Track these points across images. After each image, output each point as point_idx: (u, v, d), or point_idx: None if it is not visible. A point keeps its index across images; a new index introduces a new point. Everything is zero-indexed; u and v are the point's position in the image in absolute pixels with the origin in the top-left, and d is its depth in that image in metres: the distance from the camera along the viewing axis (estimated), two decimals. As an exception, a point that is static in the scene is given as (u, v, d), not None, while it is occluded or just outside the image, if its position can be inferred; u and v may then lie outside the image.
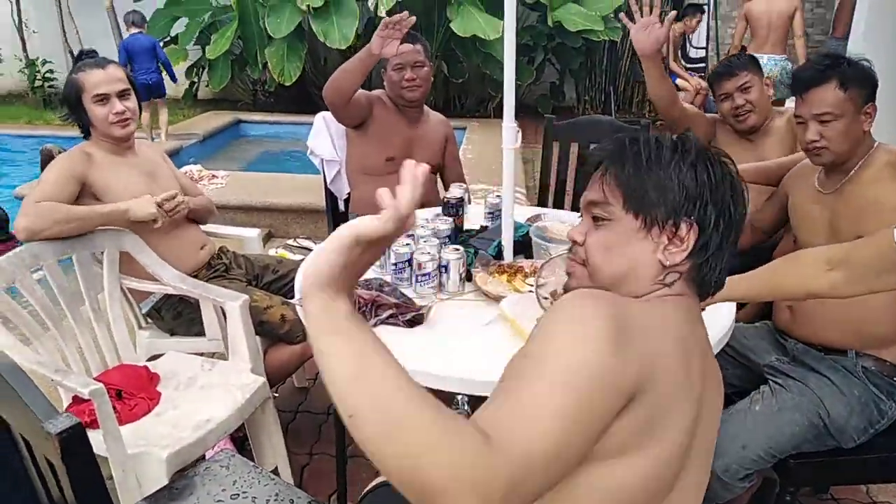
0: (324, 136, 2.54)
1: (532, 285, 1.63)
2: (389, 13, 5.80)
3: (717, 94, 2.24)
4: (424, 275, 1.62)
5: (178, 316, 2.06)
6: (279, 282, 2.24)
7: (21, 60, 8.36)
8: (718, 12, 6.99)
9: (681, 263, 0.87)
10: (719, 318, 1.47)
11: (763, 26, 5.41)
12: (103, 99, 1.91)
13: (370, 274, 1.73)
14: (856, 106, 1.58)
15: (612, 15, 6.46)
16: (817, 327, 1.61)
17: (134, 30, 5.84)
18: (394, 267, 1.67)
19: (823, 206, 1.65)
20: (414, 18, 2.11)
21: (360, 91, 2.35)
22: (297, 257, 3.64)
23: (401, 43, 2.17)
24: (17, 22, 8.19)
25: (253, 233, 2.43)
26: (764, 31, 5.41)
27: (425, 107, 2.56)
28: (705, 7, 6.49)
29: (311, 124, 2.59)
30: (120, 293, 1.96)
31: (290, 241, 3.88)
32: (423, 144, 2.49)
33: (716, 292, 0.92)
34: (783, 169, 1.89)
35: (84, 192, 1.87)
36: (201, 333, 2.01)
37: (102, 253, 1.89)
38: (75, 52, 8.26)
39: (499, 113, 7.11)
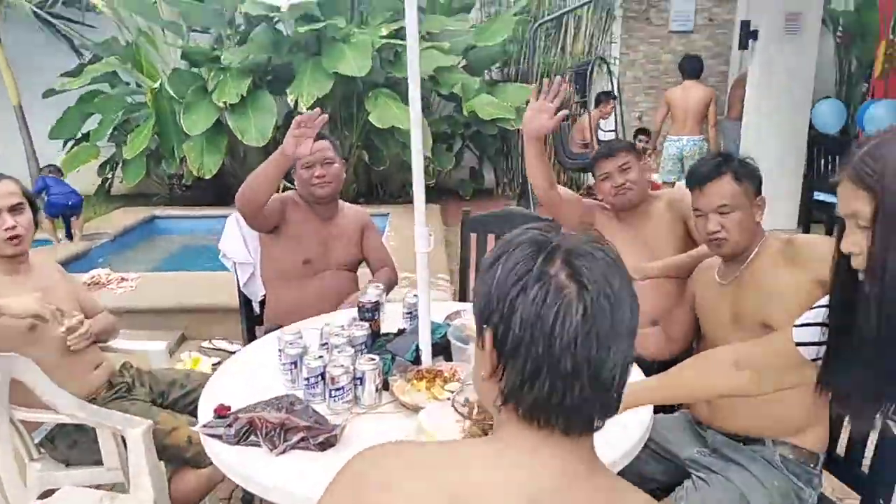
0: (236, 238, 2.48)
1: (451, 392, 1.59)
2: (311, 108, 5.89)
3: (598, 175, 2.26)
4: (338, 389, 1.55)
5: (73, 445, 1.89)
6: (187, 398, 2.10)
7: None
8: (622, 98, 7.45)
9: (501, 387, 0.73)
10: (638, 413, 1.45)
11: (681, 112, 6.03)
12: None
13: (281, 390, 1.65)
14: (749, 198, 1.68)
15: (523, 105, 6.76)
16: (733, 417, 1.63)
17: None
18: (306, 382, 1.59)
19: (724, 297, 1.70)
20: (326, 116, 2.09)
21: (274, 196, 2.31)
22: (213, 360, 3.47)
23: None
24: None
25: (159, 346, 2.30)
26: (682, 115, 6.03)
27: (340, 202, 2.53)
28: (615, 94, 7.07)
29: (226, 218, 2.53)
30: (9, 426, 1.79)
31: (205, 343, 3.71)
32: (340, 241, 2.46)
33: (582, 427, 0.73)
34: (696, 260, 1.95)
35: None
36: (100, 462, 1.85)
37: (-15, 383, 1.73)
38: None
39: (421, 199, 7.01)
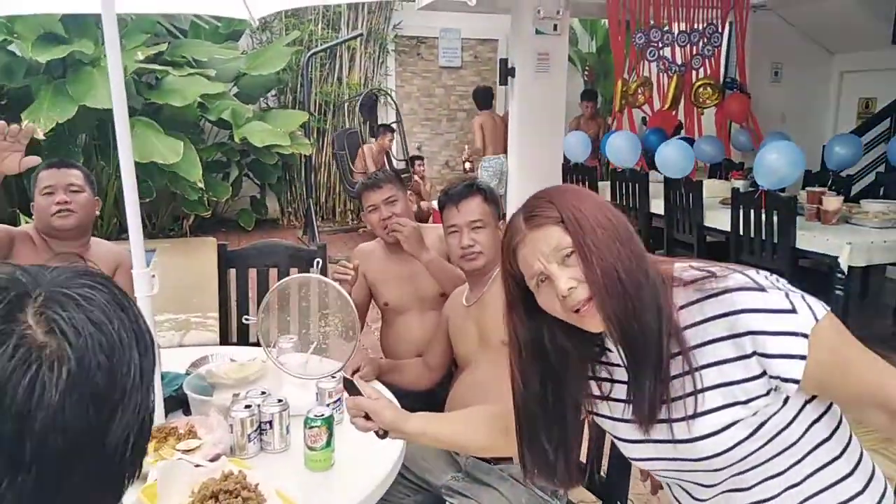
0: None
1: (181, 450, 1.42)
2: (48, 135, 5.22)
3: (366, 206, 2.20)
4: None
5: None
6: None
7: None
8: (403, 128, 7.69)
9: None
10: (388, 442, 1.41)
11: (495, 134, 6.56)
12: None
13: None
14: (495, 219, 1.83)
15: (298, 131, 6.65)
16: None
17: None
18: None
19: (470, 318, 1.75)
20: (33, 126, 1.77)
21: (1, 226, 1.96)
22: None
23: (56, 168, 1.95)
24: None
25: None
26: (495, 137, 6.55)
27: (94, 240, 2.18)
28: (394, 126, 7.33)
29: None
30: None
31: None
32: None
33: None
34: (452, 272, 2.03)
35: None
36: None
37: None
38: None
39: (197, 230, 6.74)
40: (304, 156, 6.89)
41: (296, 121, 6.69)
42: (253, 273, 2.65)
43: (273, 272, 2.63)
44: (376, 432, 1.21)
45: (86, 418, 0.53)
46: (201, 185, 5.94)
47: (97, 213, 2.15)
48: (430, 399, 1.89)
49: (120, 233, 6.24)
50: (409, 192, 2.32)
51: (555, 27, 5.69)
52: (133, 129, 5.64)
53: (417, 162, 7.26)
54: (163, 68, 5.86)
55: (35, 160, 1.84)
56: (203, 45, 6.44)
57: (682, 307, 0.95)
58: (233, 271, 2.65)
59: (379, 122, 7.52)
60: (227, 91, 6.48)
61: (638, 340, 0.92)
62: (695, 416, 0.94)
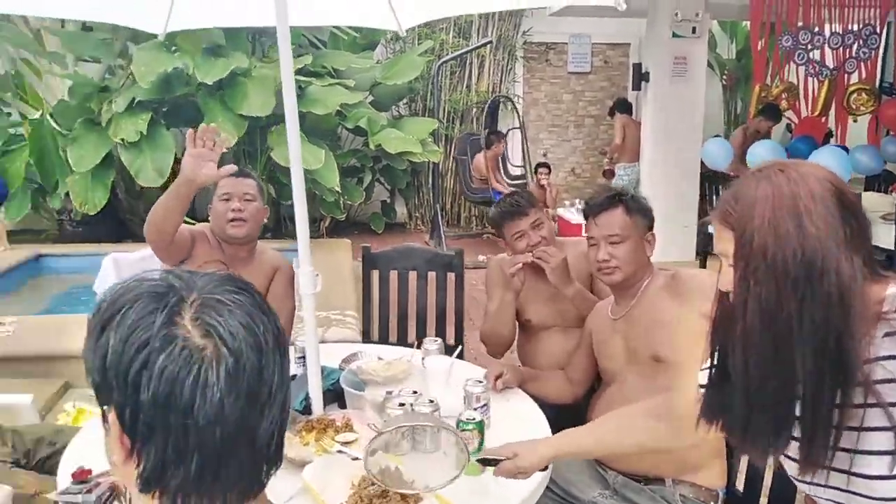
0: (112, 280, 2.32)
1: (340, 442, 1.51)
2: (227, 149, 5.67)
3: (511, 235, 2.12)
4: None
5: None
6: (56, 457, 1.91)
7: None
8: (525, 134, 7.70)
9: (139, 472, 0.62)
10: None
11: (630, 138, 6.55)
12: None
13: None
14: (639, 231, 1.74)
15: (428, 138, 6.82)
16: (635, 458, 1.63)
17: None
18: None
19: (617, 333, 1.73)
20: (226, 136, 1.94)
21: (184, 227, 2.11)
22: (98, 408, 3.22)
23: (235, 176, 2.03)
24: None
25: (25, 399, 2.10)
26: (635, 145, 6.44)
27: (259, 244, 2.30)
28: (501, 133, 7.48)
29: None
30: None
31: (92, 392, 3.44)
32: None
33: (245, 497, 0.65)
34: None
35: None
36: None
37: None
38: None
39: (332, 232, 7.09)
40: (432, 162, 7.06)
41: (426, 128, 6.86)
42: (394, 275, 2.77)
43: (412, 275, 2.73)
44: None
45: (241, 414, 0.60)
46: (338, 189, 6.23)
47: (265, 220, 2.28)
48: (574, 413, 1.87)
49: (264, 232, 6.66)
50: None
51: (693, 30, 5.49)
52: (279, 137, 6.05)
53: (542, 169, 7.23)
54: (306, 79, 6.20)
55: (232, 168, 1.99)
56: (342, 56, 6.74)
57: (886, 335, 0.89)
58: (375, 273, 2.79)
59: (497, 129, 7.60)
60: (364, 100, 6.75)
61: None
62: (875, 453, 0.88)
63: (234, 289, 0.64)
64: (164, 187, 6.08)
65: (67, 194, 6.05)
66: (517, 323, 2.21)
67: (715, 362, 1.05)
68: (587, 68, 8.47)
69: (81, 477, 1.34)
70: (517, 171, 7.76)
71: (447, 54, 7.63)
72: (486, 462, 1.31)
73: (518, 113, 7.79)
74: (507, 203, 2.16)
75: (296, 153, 1.59)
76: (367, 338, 2.79)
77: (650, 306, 1.67)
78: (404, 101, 7.90)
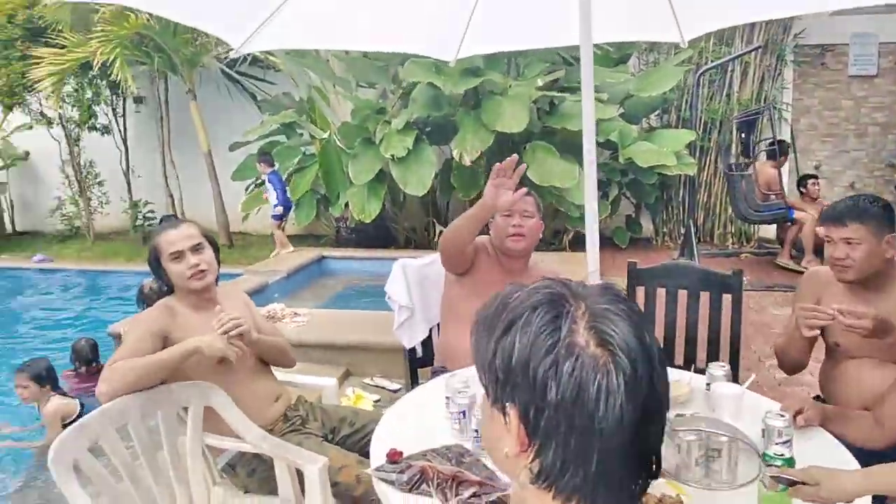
0: (400, 283, 2.56)
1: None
2: (474, 163, 6.05)
3: (825, 236, 1.96)
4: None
5: (252, 473, 2.01)
6: (355, 436, 2.17)
7: (126, 202, 9.07)
8: (796, 146, 7.01)
9: (534, 467, 0.66)
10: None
11: None
12: (178, 256, 1.99)
13: (448, 437, 1.65)
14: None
15: (683, 150, 6.52)
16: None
17: (268, 168, 7.04)
18: (475, 434, 1.58)
19: None
20: (525, 165, 2.06)
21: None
22: (374, 396, 3.59)
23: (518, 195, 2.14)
24: (125, 167, 8.98)
25: (330, 381, 2.41)
26: None
27: (534, 256, 2.41)
28: (788, 143, 6.94)
29: (389, 259, 2.62)
30: (202, 451, 1.94)
31: (367, 380, 3.85)
32: None
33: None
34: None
35: (168, 346, 1.89)
36: (274, 492, 1.94)
37: (185, 409, 1.89)
38: (174, 195, 9.00)
39: (573, 246, 7.13)
40: (686, 175, 6.74)
41: (682, 140, 6.58)
42: (661, 292, 2.68)
43: (682, 294, 2.62)
44: None
45: (637, 424, 0.61)
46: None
47: (540, 235, 2.38)
48: (883, 461, 1.64)
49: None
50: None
51: None
52: (534, 154, 6.24)
53: (810, 181, 6.51)
54: (560, 94, 6.32)
55: (524, 191, 2.12)
56: (598, 71, 6.74)
57: None
58: (641, 289, 2.72)
59: (759, 139, 6.97)
60: (616, 113, 6.68)
61: None
62: None
63: (615, 298, 0.67)
64: (425, 197, 6.61)
65: (347, 204, 6.85)
66: (825, 345, 2.02)
67: None
68: (872, 71, 7.47)
69: (394, 458, 1.51)
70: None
71: (707, 63, 7.24)
72: (779, 479, 1.22)
73: (786, 123, 7.11)
74: (836, 205, 1.94)
75: (591, 171, 1.62)
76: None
77: None
78: (656, 112, 7.65)
